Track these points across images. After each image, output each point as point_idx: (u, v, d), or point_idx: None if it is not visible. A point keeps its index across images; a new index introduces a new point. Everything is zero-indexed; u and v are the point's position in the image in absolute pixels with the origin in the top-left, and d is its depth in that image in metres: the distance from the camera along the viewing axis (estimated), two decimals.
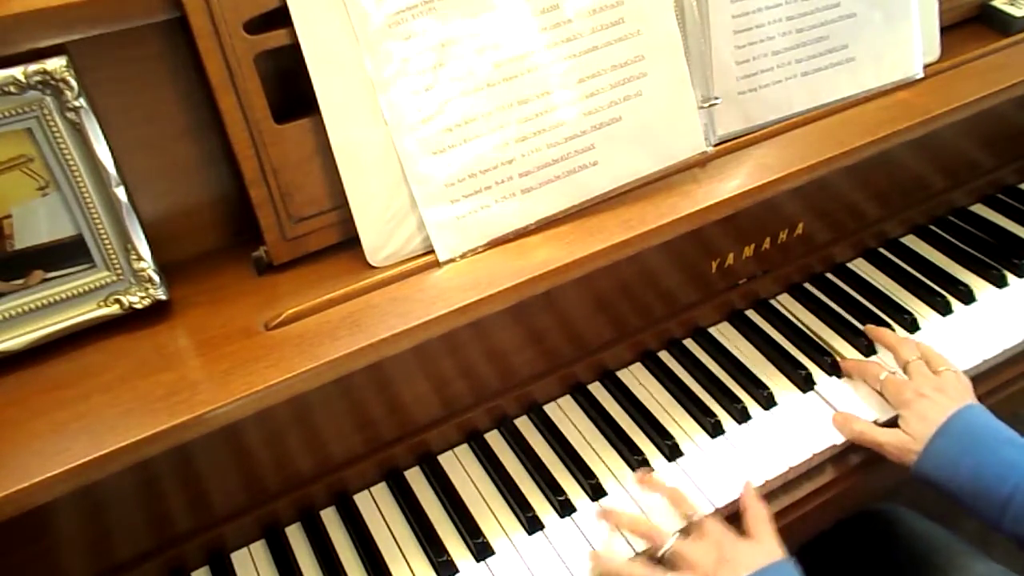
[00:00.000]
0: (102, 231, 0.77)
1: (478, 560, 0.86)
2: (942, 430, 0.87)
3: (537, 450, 0.96)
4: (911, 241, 1.22)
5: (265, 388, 0.73)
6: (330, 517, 0.91)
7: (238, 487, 0.85)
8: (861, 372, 1.00)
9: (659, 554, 0.82)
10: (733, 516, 0.87)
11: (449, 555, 0.86)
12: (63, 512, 0.75)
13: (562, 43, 0.86)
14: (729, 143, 0.97)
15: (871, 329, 1.05)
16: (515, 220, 0.87)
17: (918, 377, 0.94)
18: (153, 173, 0.82)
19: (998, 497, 0.82)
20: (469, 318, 0.81)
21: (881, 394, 0.96)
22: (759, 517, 0.84)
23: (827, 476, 0.94)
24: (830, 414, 0.97)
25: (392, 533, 0.89)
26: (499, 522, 0.90)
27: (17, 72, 0.69)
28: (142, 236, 0.78)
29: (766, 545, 0.81)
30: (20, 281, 0.76)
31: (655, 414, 0.99)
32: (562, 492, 0.91)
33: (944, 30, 1.09)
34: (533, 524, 0.89)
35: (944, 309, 1.10)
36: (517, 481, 0.93)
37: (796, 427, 0.96)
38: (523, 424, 0.99)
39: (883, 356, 1.04)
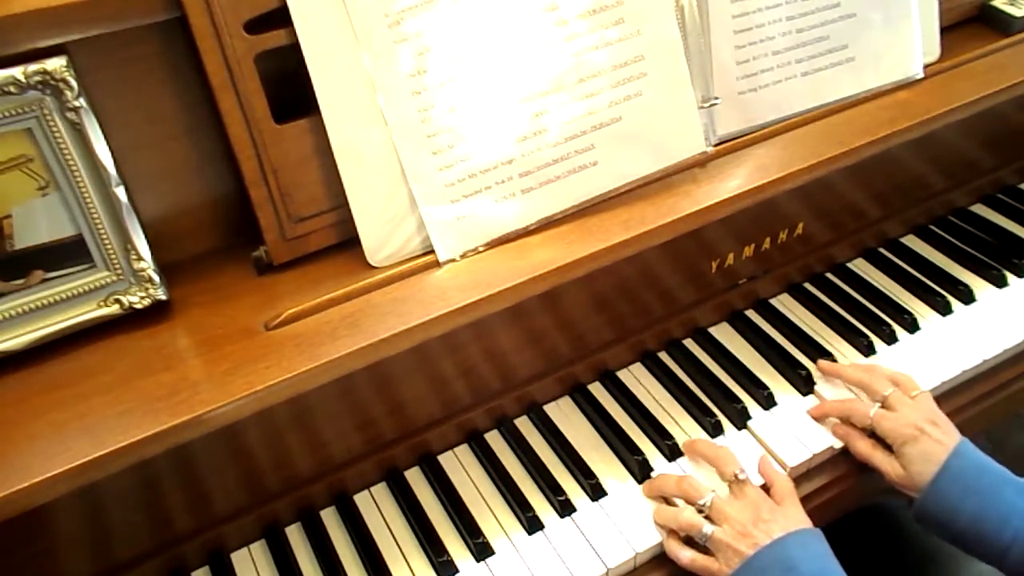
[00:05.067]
0: (102, 231, 0.77)
1: (478, 560, 0.86)
2: (943, 471, 0.86)
3: (537, 450, 0.96)
4: (911, 241, 1.22)
5: (265, 388, 0.73)
6: (330, 517, 0.91)
7: (238, 487, 0.85)
8: (846, 413, 0.95)
9: (698, 505, 0.85)
10: None
11: (449, 555, 0.86)
12: (63, 512, 0.75)
13: (562, 43, 0.86)
14: (729, 143, 0.97)
15: (825, 366, 1.02)
16: (515, 220, 0.87)
17: (905, 409, 0.91)
18: (153, 173, 0.82)
19: (999, 541, 0.82)
20: (469, 318, 0.81)
21: (870, 431, 0.92)
22: (786, 490, 0.87)
23: (827, 475, 0.94)
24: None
25: (392, 533, 0.89)
26: (499, 522, 0.90)
27: (17, 72, 0.69)
28: (142, 236, 0.78)
29: (795, 516, 0.84)
30: (20, 281, 0.76)
31: (655, 414, 0.99)
32: (562, 492, 0.91)
33: (944, 30, 1.09)
34: (533, 524, 0.89)
35: (944, 309, 1.10)
36: (517, 481, 0.93)
37: (796, 427, 0.96)
38: (523, 424, 0.99)
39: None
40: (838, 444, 0.94)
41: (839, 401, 0.98)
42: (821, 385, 1.01)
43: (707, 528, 0.83)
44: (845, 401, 0.97)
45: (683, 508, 0.86)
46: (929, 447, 0.88)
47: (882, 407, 0.92)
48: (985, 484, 0.85)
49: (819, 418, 0.97)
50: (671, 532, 0.86)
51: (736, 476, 0.86)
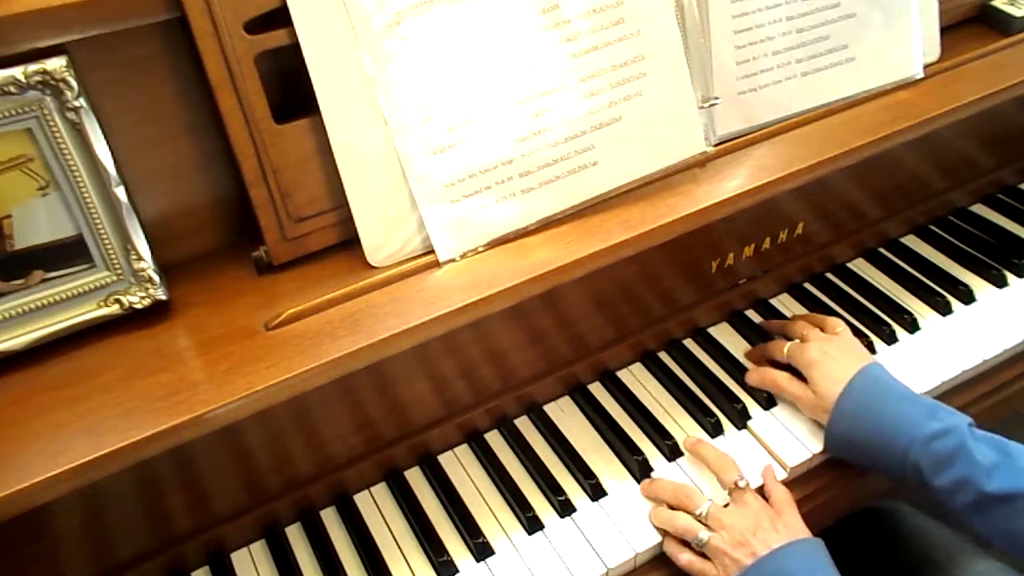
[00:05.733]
0: (102, 231, 0.77)
1: (478, 560, 0.86)
2: (847, 390, 0.90)
3: (537, 450, 0.96)
4: (911, 241, 1.22)
5: (265, 388, 0.73)
6: (330, 517, 0.91)
7: (238, 487, 0.85)
8: (767, 353, 1.02)
9: (695, 514, 0.85)
10: None
11: (449, 555, 0.86)
12: (63, 512, 0.75)
13: (562, 43, 0.86)
14: (729, 143, 0.97)
15: (766, 323, 1.10)
16: (515, 220, 0.87)
17: (818, 340, 0.97)
18: (153, 173, 0.82)
19: (895, 451, 0.85)
20: (469, 318, 0.81)
21: (789, 366, 0.98)
22: (784, 500, 0.87)
23: (827, 476, 0.94)
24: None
25: (392, 533, 0.89)
26: (499, 522, 0.90)
27: (17, 72, 0.69)
28: (142, 236, 0.78)
29: (794, 526, 0.84)
30: (20, 281, 0.76)
31: (655, 414, 0.99)
32: (562, 492, 0.91)
33: (944, 30, 1.09)
34: (533, 524, 0.89)
35: (944, 309, 1.10)
36: (517, 481, 0.93)
37: (795, 427, 0.96)
38: (523, 424, 0.99)
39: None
40: None
41: (761, 345, 1.04)
42: None
43: (703, 534, 0.83)
44: (767, 344, 1.03)
45: (680, 512, 0.86)
46: (832, 368, 0.92)
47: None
48: (881, 400, 0.88)
49: (755, 362, 1.03)
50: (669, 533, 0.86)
51: (736, 484, 0.86)
